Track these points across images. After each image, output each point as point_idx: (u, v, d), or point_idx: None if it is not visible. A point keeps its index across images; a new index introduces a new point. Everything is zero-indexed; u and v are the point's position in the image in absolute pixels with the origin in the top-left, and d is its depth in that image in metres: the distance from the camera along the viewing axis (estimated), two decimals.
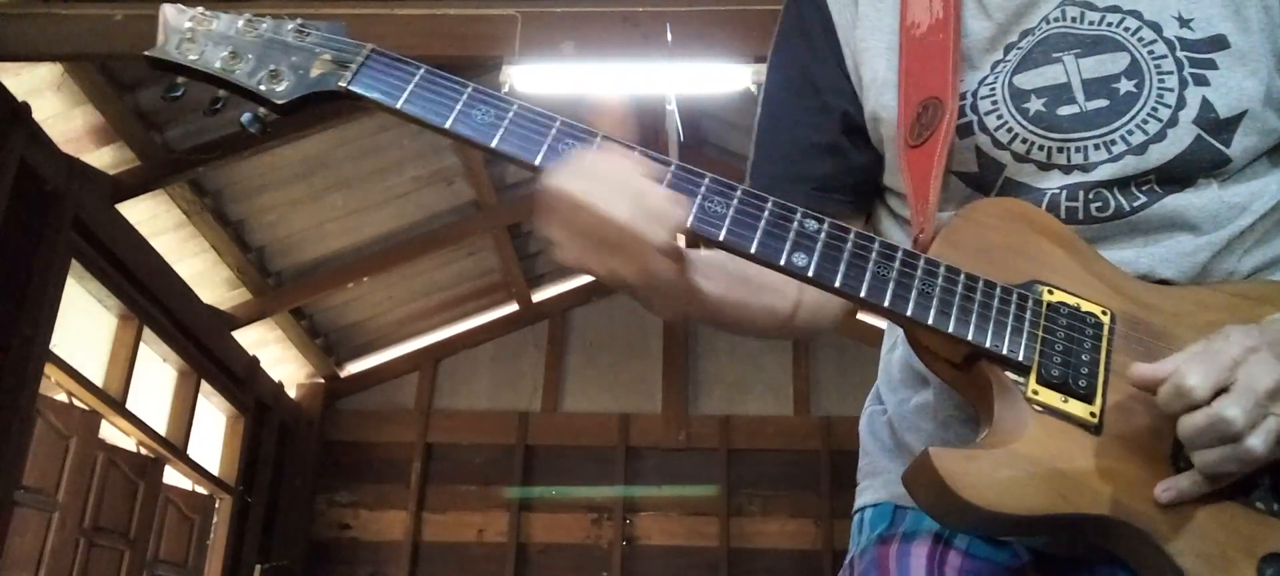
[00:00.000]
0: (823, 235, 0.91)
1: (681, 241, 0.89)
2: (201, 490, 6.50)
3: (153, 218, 5.52)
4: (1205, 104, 0.98)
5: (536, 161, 0.89)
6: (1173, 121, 0.98)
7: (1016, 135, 1.02)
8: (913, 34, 1.09)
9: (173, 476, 6.16)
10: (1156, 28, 1.02)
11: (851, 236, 0.91)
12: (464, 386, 7.95)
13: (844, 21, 1.15)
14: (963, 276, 0.92)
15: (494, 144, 0.90)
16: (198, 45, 0.93)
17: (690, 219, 0.89)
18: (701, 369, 7.94)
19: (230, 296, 6.45)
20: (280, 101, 0.93)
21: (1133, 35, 1.02)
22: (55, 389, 4.95)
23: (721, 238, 0.89)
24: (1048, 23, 1.05)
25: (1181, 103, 0.99)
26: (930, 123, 1.03)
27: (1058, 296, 0.94)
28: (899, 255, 0.92)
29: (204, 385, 6.33)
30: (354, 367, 7.98)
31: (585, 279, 7.92)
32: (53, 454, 4.87)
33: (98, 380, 5.27)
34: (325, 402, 7.77)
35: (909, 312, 0.90)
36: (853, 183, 1.14)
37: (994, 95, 1.04)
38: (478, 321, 7.99)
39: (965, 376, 0.95)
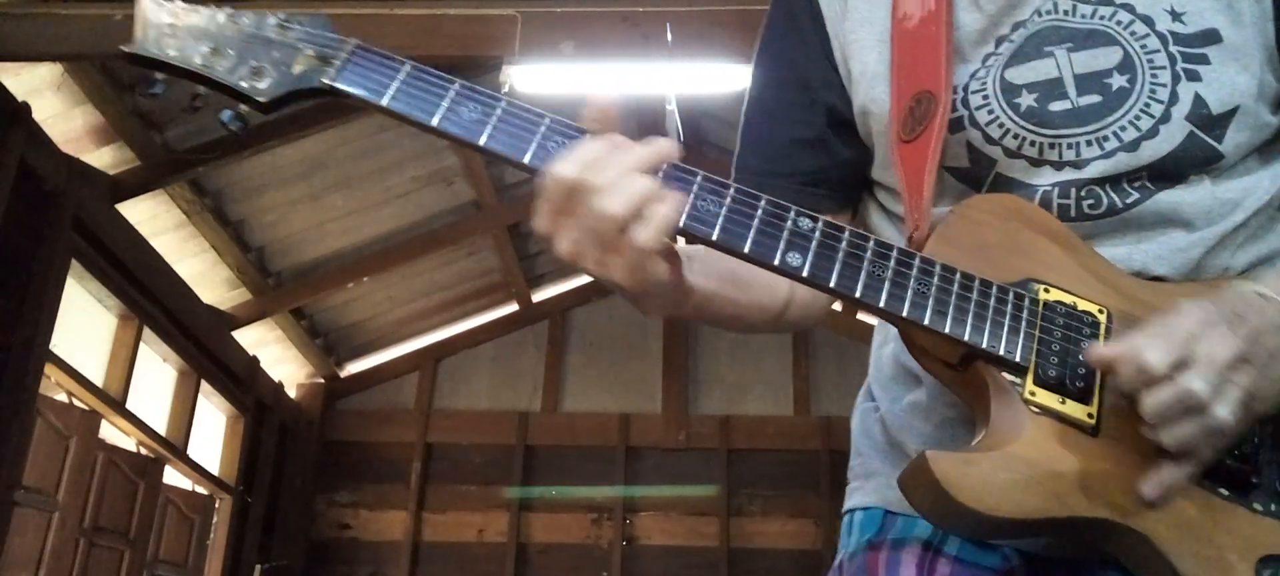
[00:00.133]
0: (817, 234, 0.89)
1: (681, 242, 0.88)
2: (201, 490, 6.50)
3: (153, 218, 5.52)
4: (1198, 100, 0.98)
5: (525, 160, 0.87)
6: (1165, 118, 0.97)
7: (1008, 131, 1.01)
8: (904, 26, 1.08)
9: (173, 476, 6.16)
10: (1149, 21, 1.01)
11: (846, 235, 0.89)
12: (464, 386, 7.95)
13: (832, 14, 1.14)
14: (959, 275, 0.91)
15: (482, 142, 0.87)
16: (178, 40, 0.90)
17: (682, 219, 0.87)
18: (701, 369, 7.93)
19: (230, 296, 6.45)
20: (263, 99, 0.90)
21: (1125, 29, 1.01)
22: (55, 389, 4.95)
23: (714, 238, 0.88)
24: (1039, 16, 1.04)
25: (1174, 98, 0.98)
26: (923, 116, 1.02)
27: (1054, 295, 0.93)
28: (894, 254, 0.90)
29: (204, 385, 6.33)
30: (354, 367, 7.98)
31: (585, 279, 7.88)
32: (53, 454, 4.87)
33: (98, 380, 5.27)
34: (325, 402, 7.76)
35: (905, 313, 0.89)
36: (839, 178, 1.13)
37: (985, 90, 1.03)
38: (478, 321, 7.99)
39: (961, 376, 0.93)
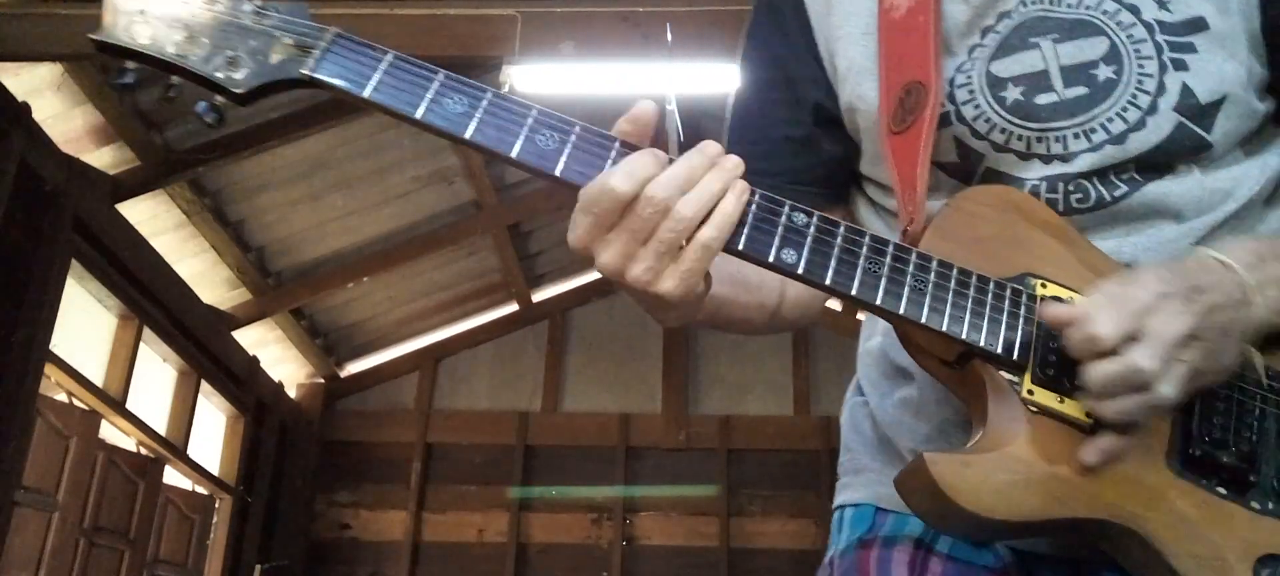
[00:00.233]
0: (811, 229, 0.86)
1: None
2: (201, 490, 6.50)
3: (153, 218, 5.52)
4: (1185, 89, 0.96)
5: (513, 154, 0.84)
6: (1153, 109, 0.96)
7: (995, 125, 1.00)
8: (891, 17, 1.06)
9: (173, 476, 6.16)
10: (1135, 10, 1.00)
11: (841, 230, 0.87)
12: (464, 386, 7.94)
13: (817, 8, 1.12)
14: (955, 271, 0.89)
15: (467, 135, 0.84)
16: (150, 27, 0.85)
17: None
18: (701, 369, 7.93)
19: (230, 296, 6.45)
20: (239, 91, 0.85)
21: (1111, 18, 1.00)
22: (55, 389, 4.95)
23: None
24: (1025, 5, 1.03)
25: (1161, 89, 0.97)
26: (914, 107, 1.00)
27: (1051, 289, 0.91)
28: (890, 250, 0.88)
29: (204, 385, 6.33)
30: (354, 367, 7.97)
31: (585, 279, 7.92)
32: (53, 454, 4.87)
33: (98, 380, 5.26)
34: (325, 402, 7.76)
35: (901, 310, 0.87)
36: (826, 175, 1.12)
37: (971, 84, 1.02)
38: (478, 321, 7.99)
39: (958, 374, 0.92)
